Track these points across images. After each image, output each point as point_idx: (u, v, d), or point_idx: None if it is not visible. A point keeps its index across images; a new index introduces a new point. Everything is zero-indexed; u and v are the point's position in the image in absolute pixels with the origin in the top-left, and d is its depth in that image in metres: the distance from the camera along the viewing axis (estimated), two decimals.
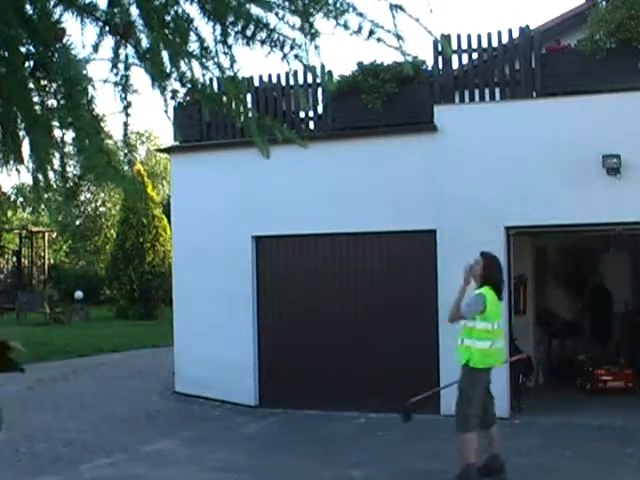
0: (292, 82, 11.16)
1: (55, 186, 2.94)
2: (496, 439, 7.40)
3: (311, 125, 11.44)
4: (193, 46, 2.79)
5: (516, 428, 9.50)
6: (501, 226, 10.03)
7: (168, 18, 2.75)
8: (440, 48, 10.06)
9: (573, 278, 13.72)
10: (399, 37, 2.56)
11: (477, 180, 10.09)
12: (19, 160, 2.91)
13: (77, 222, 35.19)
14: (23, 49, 2.72)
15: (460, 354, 7.25)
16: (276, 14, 2.71)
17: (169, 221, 17.21)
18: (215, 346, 11.43)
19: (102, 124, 2.75)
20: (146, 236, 25.08)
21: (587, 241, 13.30)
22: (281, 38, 2.68)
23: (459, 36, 10.50)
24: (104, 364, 15.60)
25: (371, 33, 2.56)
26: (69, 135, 2.83)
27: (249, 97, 10.98)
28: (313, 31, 2.64)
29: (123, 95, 2.77)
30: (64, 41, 2.69)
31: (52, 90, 2.79)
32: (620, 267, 13.68)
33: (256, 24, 2.67)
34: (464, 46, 10.48)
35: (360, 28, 2.57)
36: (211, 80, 3.00)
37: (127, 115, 2.81)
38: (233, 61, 2.79)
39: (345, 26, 2.60)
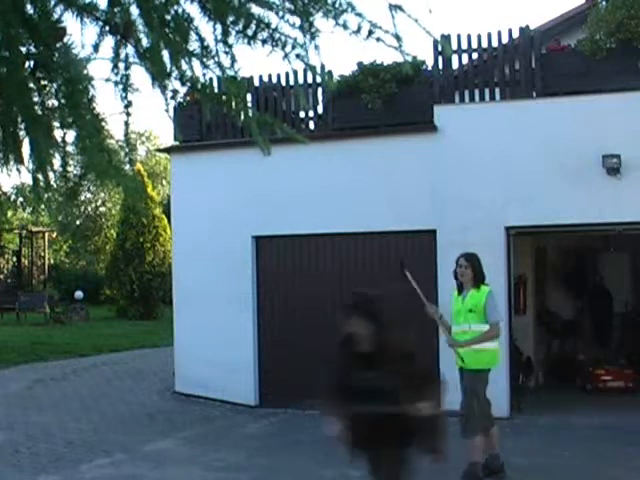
0: (292, 82, 11.17)
1: (55, 186, 2.94)
2: (496, 440, 7.40)
3: (311, 125, 11.44)
4: (193, 45, 2.80)
5: (516, 428, 9.50)
6: (501, 226, 10.03)
7: (168, 17, 2.76)
8: (440, 48, 10.07)
9: (573, 278, 13.72)
10: (398, 37, 2.56)
11: (477, 180, 10.10)
12: (19, 160, 2.92)
13: (77, 222, 35.18)
14: (24, 49, 2.73)
15: (467, 357, 7.12)
16: (276, 14, 2.71)
17: (169, 221, 17.21)
18: (215, 346, 11.43)
19: (103, 123, 2.76)
20: (146, 236, 25.06)
21: (587, 241, 13.30)
22: (282, 37, 2.69)
23: (459, 36, 10.50)
24: (104, 364, 15.59)
25: (370, 33, 2.56)
26: (70, 135, 2.84)
27: (249, 97, 10.98)
28: (313, 30, 2.64)
29: (124, 94, 2.78)
30: (65, 40, 2.69)
31: (52, 90, 2.79)
32: (620, 267, 13.68)
33: (257, 24, 2.67)
34: (464, 46, 10.48)
35: (359, 28, 2.58)
36: (211, 79, 3.01)
37: (128, 114, 2.81)
38: (234, 60, 2.79)
39: (344, 26, 2.60)
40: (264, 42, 2.70)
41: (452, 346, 7.28)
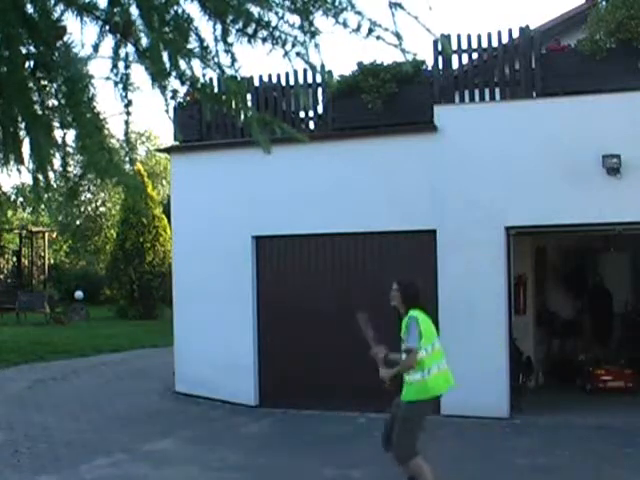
0: (292, 81, 11.17)
1: (55, 186, 2.94)
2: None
3: (311, 125, 11.44)
4: (193, 45, 2.80)
5: (516, 428, 9.50)
6: (501, 226, 10.03)
7: (168, 17, 2.76)
8: (440, 48, 10.07)
9: (573, 278, 13.72)
10: (398, 35, 2.57)
11: (477, 180, 10.10)
12: (19, 160, 2.92)
13: (77, 222, 35.18)
14: (23, 49, 2.73)
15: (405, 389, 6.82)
16: (276, 13, 2.71)
17: (169, 221, 17.21)
18: (215, 346, 11.43)
19: (103, 122, 2.76)
20: (146, 236, 25.06)
21: (587, 241, 13.31)
22: (283, 36, 2.69)
23: (459, 36, 10.51)
24: (104, 364, 15.60)
25: (370, 31, 2.57)
26: (70, 134, 2.84)
27: (249, 96, 10.98)
28: (313, 29, 2.65)
29: (124, 93, 2.78)
30: (65, 39, 2.69)
31: (52, 90, 2.80)
32: (620, 267, 13.68)
33: (257, 22, 2.68)
34: (464, 46, 10.48)
35: (359, 26, 2.58)
36: (211, 79, 3.01)
37: (128, 113, 2.81)
38: (234, 59, 2.79)
39: (344, 24, 2.61)
40: (264, 40, 2.71)
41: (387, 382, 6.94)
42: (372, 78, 10.53)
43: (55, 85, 2.78)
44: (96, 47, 2.78)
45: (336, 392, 10.57)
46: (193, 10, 2.77)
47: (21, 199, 35.13)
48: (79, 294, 25.08)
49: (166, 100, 2.88)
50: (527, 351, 11.87)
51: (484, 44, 10.39)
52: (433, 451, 8.50)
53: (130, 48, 2.79)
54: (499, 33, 10.32)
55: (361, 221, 10.65)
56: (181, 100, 3.03)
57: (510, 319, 10.19)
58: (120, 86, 2.77)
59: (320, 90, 11.14)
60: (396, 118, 10.53)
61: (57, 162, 2.90)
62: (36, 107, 2.80)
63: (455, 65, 10.59)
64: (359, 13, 2.58)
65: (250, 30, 2.69)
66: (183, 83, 2.84)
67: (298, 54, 2.71)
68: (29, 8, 2.69)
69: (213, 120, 11.37)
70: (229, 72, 2.82)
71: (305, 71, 10.90)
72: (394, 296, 7.15)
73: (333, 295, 10.89)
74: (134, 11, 2.77)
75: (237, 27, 2.69)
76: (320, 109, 11.27)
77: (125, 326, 22.54)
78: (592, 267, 13.98)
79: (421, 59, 10.56)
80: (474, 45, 10.46)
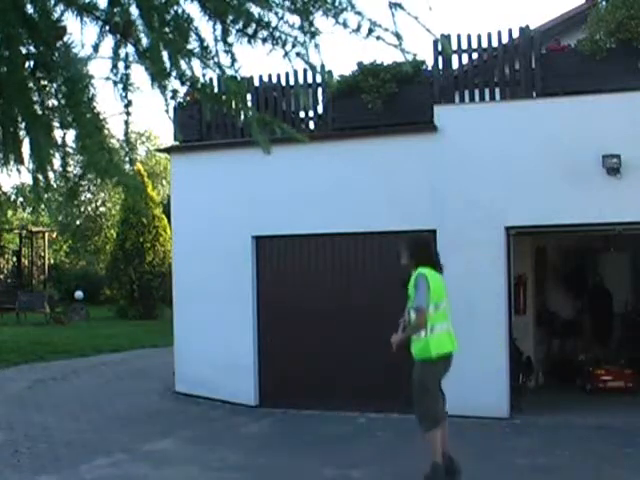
0: (292, 81, 11.17)
1: (55, 186, 2.95)
2: (445, 437, 7.06)
3: (311, 125, 11.44)
4: (193, 45, 2.80)
5: (516, 428, 9.50)
6: (501, 226, 10.03)
7: (168, 17, 2.76)
8: (440, 48, 10.08)
9: (573, 278, 13.73)
10: (398, 36, 2.57)
11: (477, 180, 10.10)
12: (19, 160, 2.92)
13: (77, 222, 35.19)
14: (23, 49, 2.73)
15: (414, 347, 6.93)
16: (275, 13, 2.72)
17: (169, 221, 17.22)
18: (215, 346, 11.43)
19: (103, 122, 2.76)
20: (146, 236, 25.06)
21: (587, 241, 13.31)
22: (283, 36, 2.69)
23: (459, 36, 10.51)
24: (104, 364, 15.60)
25: (370, 31, 2.57)
26: (70, 135, 2.84)
27: (249, 97, 10.98)
28: (313, 30, 2.65)
29: (124, 94, 2.78)
30: (65, 40, 2.70)
31: (52, 90, 2.80)
32: (620, 267, 13.69)
33: (257, 22, 2.68)
34: (464, 46, 10.48)
35: (359, 26, 2.59)
36: (211, 79, 3.01)
37: (128, 114, 2.82)
38: (234, 60, 2.80)
39: (344, 24, 2.61)
40: (264, 41, 2.71)
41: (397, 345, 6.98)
42: (372, 78, 10.52)
43: (55, 85, 2.78)
44: (96, 47, 2.78)
45: (336, 392, 10.57)
46: (193, 10, 2.78)
47: (21, 199, 35.15)
48: (79, 294, 25.09)
49: (166, 100, 2.89)
50: (527, 351, 11.87)
51: (484, 44, 10.39)
52: None
53: (130, 48, 2.79)
54: (499, 33, 10.32)
55: (361, 221, 10.65)
56: (181, 100, 3.03)
57: (510, 319, 10.19)
58: (120, 86, 2.77)
59: (320, 90, 11.14)
60: (396, 118, 10.53)
61: (57, 162, 2.90)
62: (36, 107, 2.80)
63: (455, 65, 10.59)
64: (359, 13, 2.59)
65: (250, 30, 2.69)
66: (183, 83, 2.84)
67: (298, 54, 2.71)
68: (29, 8, 2.69)
69: (213, 120, 11.37)
70: (229, 72, 2.82)
71: (305, 71, 10.90)
72: (402, 254, 7.11)
73: (333, 295, 10.89)
74: (134, 11, 2.77)
75: (237, 27, 2.70)
76: (320, 109, 11.27)
77: (125, 326, 22.54)
78: (592, 267, 13.98)
79: (421, 59, 10.56)
80: (474, 45, 10.46)
